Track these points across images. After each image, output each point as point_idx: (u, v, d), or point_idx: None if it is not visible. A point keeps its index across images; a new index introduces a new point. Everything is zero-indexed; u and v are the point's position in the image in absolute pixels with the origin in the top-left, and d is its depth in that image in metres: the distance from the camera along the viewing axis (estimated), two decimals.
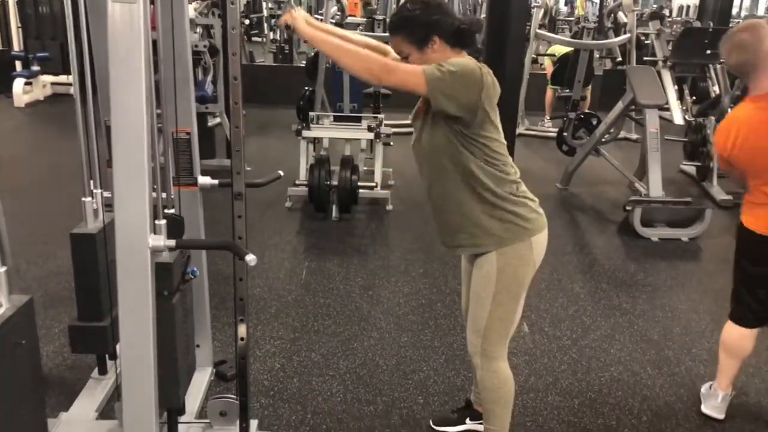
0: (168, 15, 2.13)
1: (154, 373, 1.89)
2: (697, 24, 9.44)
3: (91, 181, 2.52)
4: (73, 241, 2.44)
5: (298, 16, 1.98)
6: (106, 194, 2.58)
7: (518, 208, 2.02)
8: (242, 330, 2.26)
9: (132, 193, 1.77)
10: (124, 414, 1.91)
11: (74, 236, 2.43)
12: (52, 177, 5.45)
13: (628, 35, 7.38)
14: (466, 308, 2.32)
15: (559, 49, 7.76)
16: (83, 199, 2.48)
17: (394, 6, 14.53)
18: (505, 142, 2.06)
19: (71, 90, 7.27)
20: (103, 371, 2.68)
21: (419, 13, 1.95)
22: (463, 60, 1.93)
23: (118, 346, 2.65)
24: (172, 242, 1.87)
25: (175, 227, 2.06)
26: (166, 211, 2.06)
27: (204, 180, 2.48)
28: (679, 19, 10.94)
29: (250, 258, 1.83)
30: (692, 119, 6.11)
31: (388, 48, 2.21)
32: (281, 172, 2.61)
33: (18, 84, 8.36)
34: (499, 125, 2.00)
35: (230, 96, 2.01)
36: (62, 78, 8.82)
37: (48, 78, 8.86)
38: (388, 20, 8.48)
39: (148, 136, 1.75)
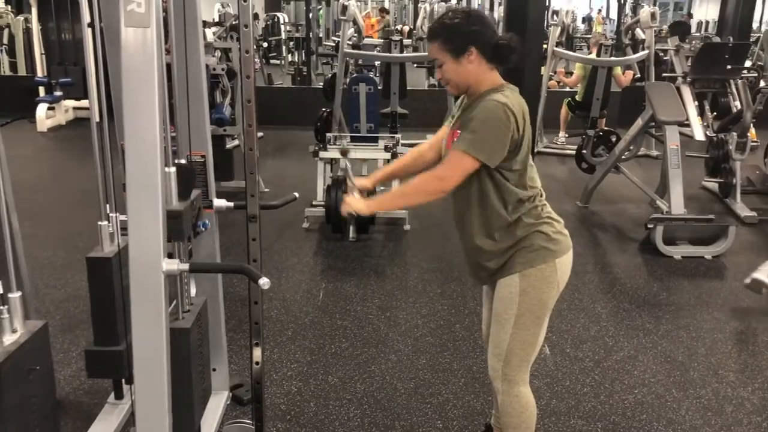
0: (182, 39, 2.14)
1: (169, 399, 1.87)
2: (717, 39, 9.39)
3: (107, 205, 2.54)
4: (89, 265, 2.44)
5: (355, 203, 2.06)
6: (122, 218, 2.60)
7: (543, 227, 2.00)
8: (257, 354, 2.24)
9: (146, 217, 1.76)
10: None
11: (90, 260, 2.43)
12: (73, 201, 5.51)
13: (646, 51, 7.34)
14: (487, 331, 2.28)
15: (579, 92, 7.66)
16: (99, 223, 2.48)
17: (409, 27, 14.66)
18: (533, 164, 2.04)
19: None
20: (119, 396, 2.66)
21: (459, 21, 1.94)
22: (488, 106, 1.90)
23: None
24: (186, 266, 1.85)
25: (186, 177, 2.03)
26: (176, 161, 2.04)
27: (219, 203, 2.46)
28: (698, 34, 10.87)
29: (264, 282, 1.81)
30: (713, 135, 6.03)
31: (425, 145, 2.28)
32: (296, 194, 2.59)
33: (41, 109, 8.50)
34: (528, 144, 1.98)
35: (244, 118, 2.00)
36: (84, 103, 8.95)
37: (70, 103, 9.01)
38: (403, 40, 8.53)
39: (161, 159, 1.75)
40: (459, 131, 1.99)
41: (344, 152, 2.79)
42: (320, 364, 3.11)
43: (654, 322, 3.59)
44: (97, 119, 2.42)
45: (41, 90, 8.95)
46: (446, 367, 3.09)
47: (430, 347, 3.28)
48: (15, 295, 1.87)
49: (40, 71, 9.47)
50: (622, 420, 2.71)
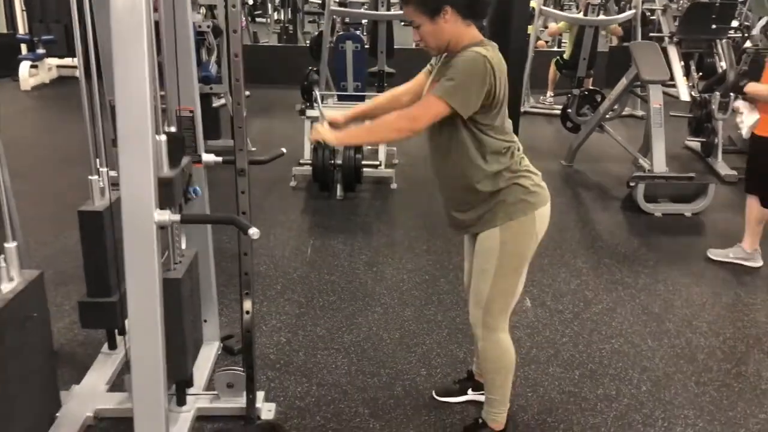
0: None
1: (162, 346, 1.93)
2: None
3: (98, 160, 2.57)
4: (80, 219, 2.48)
5: (324, 132, 2.05)
6: (112, 173, 2.63)
7: (522, 180, 2.06)
8: (248, 304, 2.31)
9: (137, 169, 1.80)
10: (133, 385, 1.95)
11: (82, 214, 2.48)
12: (59, 158, 5.51)
13: (633, 11, 7.34)
14: (468, 282, 2.36)
15: (567, 51, 7.65)
16: (90, 177, 2.52)
17: None
18: (509, 119, 2.08)
19: (77, 72, 7.32)
20: (112, 346, 2.74)
21: None
22: (468, 56, 1.93)
23: (127, 321, 2.73)
24: (177, 216, 1.91)
25: (176, 145, 2.08)
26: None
27: (208, 157, 2.50)
28: None
29: (253, 231, 1.87)
30: (698, 95, 6.09)
31: (400, 89, 2.30)
32: (284, 150, 2.63)
33: (24, 67, 8.39)
34: (505, 101, 2.02)
35: (231, 73, 2.04)
36: (67, 60, 8.86)
37: (53, 61, 8.90)
38: None
39: (151, 114, 1.79)
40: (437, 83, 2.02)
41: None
42: (308, 316, 3.19)
43: (633, 276, 3.70)
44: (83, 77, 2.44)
45: (23, 47, 8.83)
46: (431, 319, 3.19)
47: (415, 300, 3.37)
48: (11, 245, 1.92)
49: (22, 28, 9.33)
50: (599, 368, 2.83)
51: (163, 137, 1.95)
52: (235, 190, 2.22)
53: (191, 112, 2.43)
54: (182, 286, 2.20)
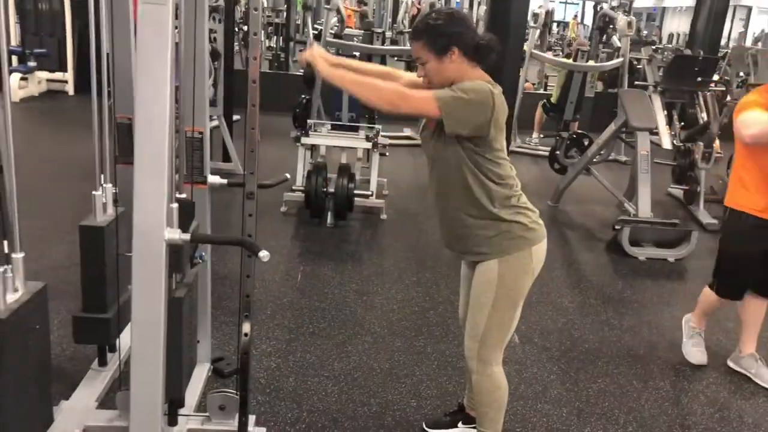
0: (191, 17, 2.20)
1: (164, 365, 1.94)
2: (688, 52, 9.67)
3: (102, 176, 2.58)
4: (81, 233, 2.48)
5: (317, 54, 2.08)
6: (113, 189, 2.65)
7: (520, 218, 2.12)
8: (246, 326, 2.32)
9: (151, 187, 1.82)
10: (131, 402, 1.95)
11: (83, 228, 2.48)
12: (49, 173, 5.47)
13: (621, 59, 7.56)
14: (463, 314, 2.40)
15: (554, 95, 7.84)
16: (93, 192, 2.53)
17: (389, 20, 14.71)
18: (508, 158, 2.15)
19: (66, 87, 7.31)
20: (103, 362, 2.71)
21: (443, 23, 2.04)
22: (476, 83, 2.00)
23: (118, 339, 2.72)
24: (187, 236, 1.92)
25: (186, 212, 2.11)
26: (177, 195, 2.11)
27: (213, 179, 2.54)
28: (670, 46, 11.18)
29: (264, 254, 1.89)
30: (681, 144, 6.26)
31: (400, 73, 2.34)
32: (288, 175, 2.68)
33: (14, 79, 8.35)
34: (504, 142, 2.09)
35: (249, 98, 2.08)
36: (58, 75, 8.84)
37: (43, 74, 8.87)
38: (386, 34, 8.60)
39: (170, 134, 1.82)
40: None
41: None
42: (299, 342, 3.20)
43: (618, 317, 3.76)
44: (72, 92, 2.45)
45: (14, 59, 8.80)
46: (420, 350, 3.21)
47: (405, 331, 3.39)
48: (18, 256, 1.92)
49: (14, 41, 9.30)
50: (586, 406, 2.86)
51: (175, 205, 1.96)
52: (242, 212, 2.25)
53: (201, 133, 2.46)
54: (184, 306, 2.21)
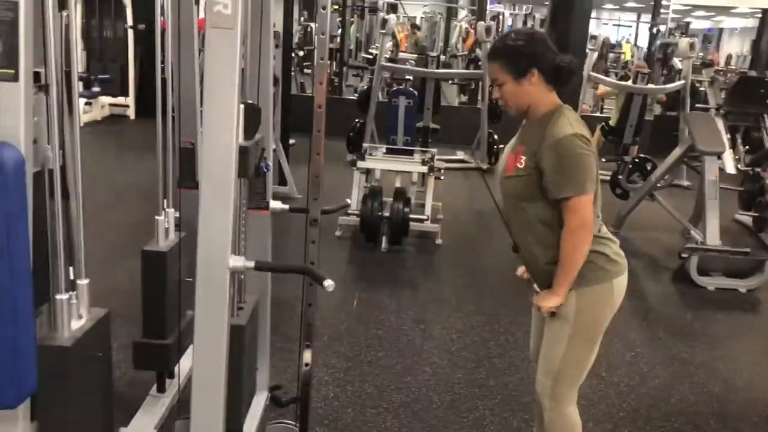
0: (257, 41, 2.19)
1: (224, 394, 1.89)
2: (753, 73, 9.37)
3: (165, 201, 2.58)
4: (144, 259, 2.48)
5: (547, 302, 2.01)
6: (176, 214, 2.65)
7: (602, 248, 2.01)
8: (307, 356, 2.26)
9: (216, 214, 1.79)
10: (192, 429, 1.90)
11: (146, 253, 2.48)
12: (109, 196, 5.58)
13: (682, 81, 7.32)
14: (534, 347, 2.28)
15: (614, 118, 7.65)
16: (156, 217, 2.53)
17: (441, 44, 14.75)
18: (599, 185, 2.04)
19: (128, 111, 7.47)
20: (161, 389, 2.70)
21: (523, 44, 1.96)
22: (569, 149, 1.91)
23: (177, 365, 2.69)
24: (252, 263, 1.88)
25: (253, 116, 2.03)
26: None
27: (275, 204, 2.50)
28: (734, 68, 10.85)
29: (329, 283, 1.84)
30: (749, 169, 6.01)
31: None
32: (349, 200, 2.64)
33: (79, 104, 8.63)
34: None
35: (314, 124, 2.04)
36: (120, 99, 9.10)
37: (106, 99, 9.14)
38: (440, 57, 8.57)
39: (236, 159, 1.79)
40: (523, 157, 1.98)
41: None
42: (356, 371, 3.12)
43: (689, 351, 3.57)
44: (133, 116, 2.48)
45: (80, 85, 9.10)
46: (482, 383, 3.10)
47: (465, 362, 3.28)
48: (83, 282, 1.91)
49: (80, 67, 9.64)
50: None
51: (240, 107, 1.91)
52: (304, 239, 2.21)
53: (264, 158, 2.43)
54: (245, 334, 2.16)
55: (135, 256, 2.64)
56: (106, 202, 5.45)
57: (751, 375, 3.35)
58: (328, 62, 1.96)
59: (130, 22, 8.85)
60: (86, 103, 8.74)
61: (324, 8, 1.97)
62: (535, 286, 2.16)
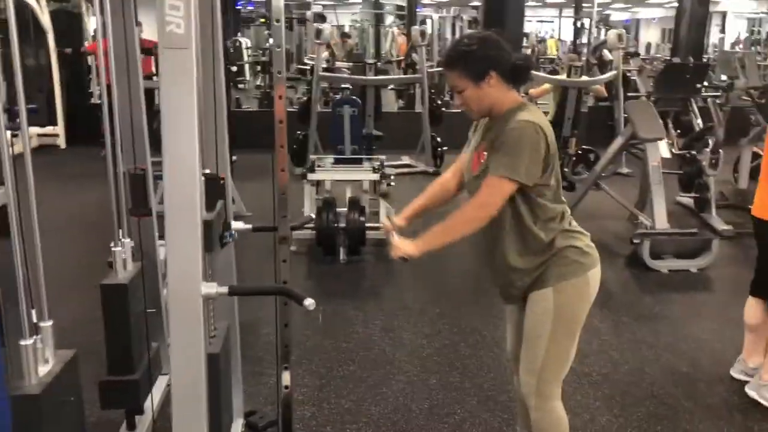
0: (210, 64, 2.12)
1: (206, 425, 1.81)
2: (677, 60, 9.73)
3: (120, 231, 2.48)
4: (104, 292, 2.37)
5: (405, 246, 1.99)
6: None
7: (574, 242, 2.02)
8: (286, 377, 2.21)
9: (185, 242, 1.72)
10: None
11: (105, 287, 2.37)
12: (51, 228, 5.33)
13: (614, 72, 7.54)
14: (512, 347, 2.28)
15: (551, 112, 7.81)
16: (113, 248, 2.42)
17: (372, 50, 14.78)
18: (560, 180, 2.05)
19: (57, 140, 7.23)
20: (131, 427, 2.58)
21: (477, 48, 1.94)
22: (519, 129, 1.90)
23: (150, 399, 2.58)
24: (225, 289, 1.81)
25: (213, 187, 2.01)
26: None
27: (238, 224, 2.43)
28: (658, 56, 11.26)
29: (309, 302, 1.78)
30: (685, 152, 6.22)
31: (446, 174, 2.26)
32: (313, 215, 2.59)
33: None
34: (557, 165, 2.00)
35: (276, 138, 2.00)
36: (48, 129, 8.74)
37: (34, 130, 8.76)
38: (377, 65, 8.58)
39: (201, 183, 1.72)
40: (485, 152, 1.99)
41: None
42: (330, 387, 3.06)
43: (653, 335, 3.64)
44: (64, 145, 2.36)
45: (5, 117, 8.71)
46: (458, 386, 3.08)
47: (438, 367, 3.26)
48: (47, 324, 1.81)
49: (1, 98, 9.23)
50: None
51: (201, 178, 1.86)
52: (274, 258, 2.15)
53: (223, 179, 2.36)
54: (220, 362, 2.09)
55: (89, 290, 2.52)
56: (50, 235, 5.20)
57: (714, 351, 3.45)
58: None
59: (52, 46, 8.53)
60: (13, 135, 8.36)
61: (278, 21, 1.93)
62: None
